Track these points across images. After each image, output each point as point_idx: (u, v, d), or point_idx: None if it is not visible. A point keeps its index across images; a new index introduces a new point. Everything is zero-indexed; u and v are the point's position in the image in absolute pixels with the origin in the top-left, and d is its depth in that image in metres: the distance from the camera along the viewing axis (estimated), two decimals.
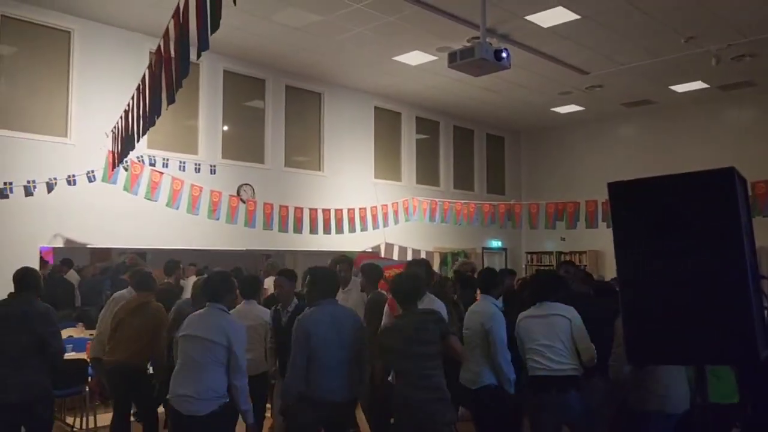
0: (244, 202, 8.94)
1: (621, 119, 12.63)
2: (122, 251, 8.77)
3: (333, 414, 3.86)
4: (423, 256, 11.68)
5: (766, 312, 4.86)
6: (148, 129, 3.96)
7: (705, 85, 10.50)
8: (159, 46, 3.55)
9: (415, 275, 4.16)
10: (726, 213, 1.99)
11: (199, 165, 8.79)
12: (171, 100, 3.27)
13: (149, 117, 3.73)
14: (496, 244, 13.47)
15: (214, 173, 8.94)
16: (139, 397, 4.98)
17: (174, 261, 7.06)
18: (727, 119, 11.42)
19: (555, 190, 12.47)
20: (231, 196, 8.77)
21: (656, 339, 2.08)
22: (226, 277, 4.05)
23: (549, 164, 13.89)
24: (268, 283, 7.16)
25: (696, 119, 11.65)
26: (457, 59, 5.92)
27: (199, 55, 2.79)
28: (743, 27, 7.94)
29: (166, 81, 3.16)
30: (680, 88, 10.65)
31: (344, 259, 5.87)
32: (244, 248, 9.11)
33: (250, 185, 9.35)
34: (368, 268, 5.33)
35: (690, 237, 2.02)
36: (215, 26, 2.57)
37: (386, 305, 4.69)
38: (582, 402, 3.97)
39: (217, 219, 8.46)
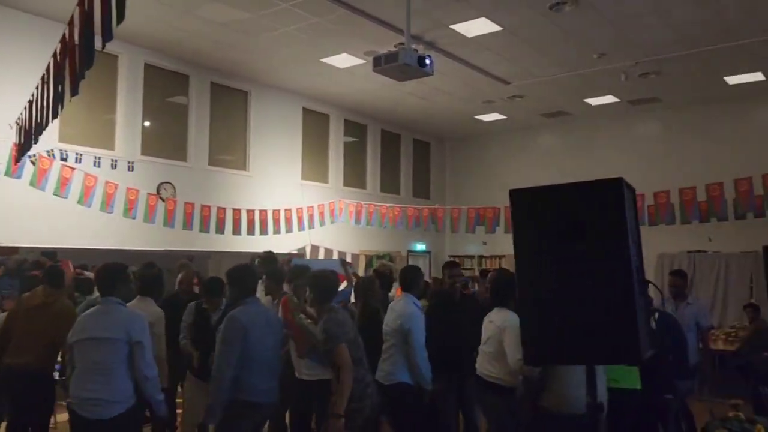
0: (163, 200, 8.67)
1: (540, 129, 13.15)
2: (30, 250, 8.29)
3: (266, 416, 3.83)
4: (348, 258, 11.71)
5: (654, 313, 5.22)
6: (50, 121, 3.76)
7: (616, 99, 11.10)
8: (64, 34, 3.39)
9: (330, 275, 4.18)
10: (614, 220, 2.12)
11: (116, 161, 8.46)
12: (74, 92, 3.12)
13: (52, 109, 3.55)
14: (420, 247, 13.70)
15: (132, 170, 8.63)
16: (38, 405, 4.60)
17: (152, 264, 6.73)
18: (636, 132, 12.12)
19: (478, 196, 12.82)
20: (149, 194, 8.48)
21: (550, 340, 2.19)
22: (119, 268, 3.80)
23: (472, 170, 14.26)
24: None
25: (608, 131, 12.30)
26: (381, 63, 5.99)
27: (103, 46, 2.70)
28: (649, 47, 8.47)
29: (71, 71, 3.02)
30: (594, 101, 11.22)
31: (267, 256, 5.82)
32: (163, 249, 8.82)
33: (170, 183, 9.09)
34: (272, 271, 5.26)
35: (582, 243, 2.13)
36: (121, 16, 2.49)
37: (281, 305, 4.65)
38: (506, 405, 4.09)
39: (134, 218, 8.17)
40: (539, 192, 2.23)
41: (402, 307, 4.54)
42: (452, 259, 14.00)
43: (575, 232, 2.12)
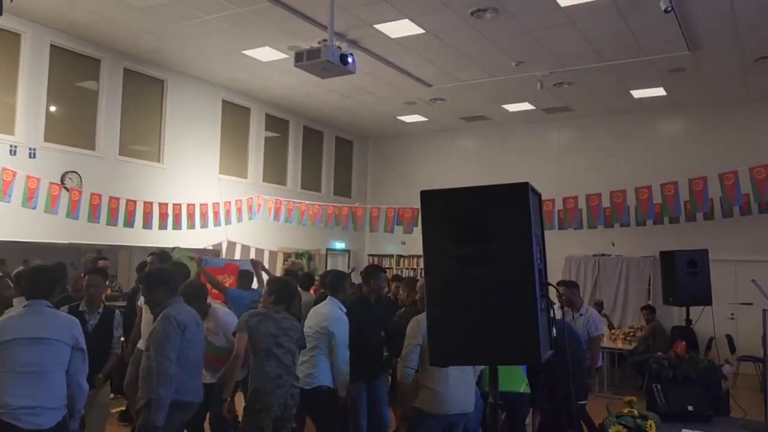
0: (67, 190, 8.19)
1: (460, 132, 13.46)
2: None
3: (191, 414, 3.81)
4: (266, 255, 11.53)
5: (561, 314, 5.46)
6: None
7: (532, 107, 11.52)
8: None
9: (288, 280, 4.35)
10: (519, 224, 2.17)
11: (16, 147, 7.93)
12: None
13: None
14: (339, 245, 13.67)
15: (34, 157, 8.11)
16: None
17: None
18: (550, 139, 12.64)
19: (398, 196, 12.94)
20: (52, 183, 7.99)
21: (456, 341, 2.21)
22: (59, 270, 3.65)
23: (394, 170, 14.40)
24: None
25: (525, 136, 12.76)
26: (303, 59, 5.94)
27: None
28: (563, 58, 8.85)
29: None
30: (511, 107, 11.59)
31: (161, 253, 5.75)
32: (67, 242, 8.33)
33: (76, 173, 8.60)
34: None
35: (488, 245, 2.17)
36: None
37: None
38: None
39: (34, 208, 7.67)
40: (448, 194, 2.25)
41: (328, 310, 4.56)
42: (371, 257, 14.12)
43: (481, 235, 2.16)
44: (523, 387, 4.48)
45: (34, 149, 8.13)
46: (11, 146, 7.85)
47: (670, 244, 8.86)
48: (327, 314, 4.52)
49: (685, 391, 3.86)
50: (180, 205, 9.64)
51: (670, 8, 6.56)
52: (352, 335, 4.57)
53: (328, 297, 4.73)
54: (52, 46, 8.44)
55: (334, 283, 4.78)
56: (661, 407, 3.75)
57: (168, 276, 3.92)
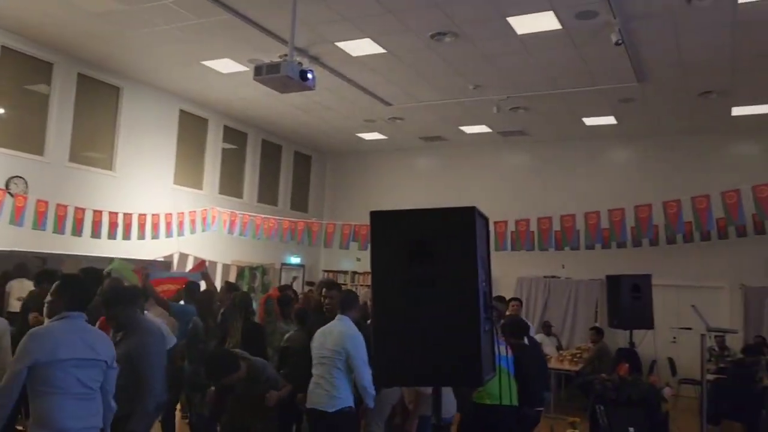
0: (12, 195, 7.91)
1: (418, 151, 13.59)
2: None
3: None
4: (219, 268, 11.35)
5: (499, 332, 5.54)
6: None
7: (488, 130, 11.74)
8: None
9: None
10: (465, 247, 2.22)
11: None
12: None
13: None
14: (295, 260, 13.57)
15: None
16: None
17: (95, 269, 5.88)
18: (505, 161, 12.88)
19: (355, 212, 12.94)
20: None
21: (400, 362, 2.23)
22: (89, 281, 3.78)
23: (351, 186, 14.42)
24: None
25: (481, 158, 12.97)
26: (263, 73, 5.92)
27: None
28: (519, 83, 9.08)
29: None
30: (468, 129, 11.78)
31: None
32: (9, 249, 8.02)
33: (22, 178, 8.32)
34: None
35: (434, 267, 2.21)
36: None
37: None
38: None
39: None
40: (396, 216, 2.28)
41: (341, 328, 4.31)
42: (326, 273, 14.04)
43: (428, 257, 2.20)
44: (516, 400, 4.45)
45: None
46: None
47: (617, 269, 9.11)
48: (342, 332, 4.26)
49: (627, 412, 3.97)
50: (131, 214, 9.42)
51: (620, 41, 6.83)
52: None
53: (338, 315, 4.43)
54: (2, 47, 8.19)
55: (346, 302, 4.52)
56: (604, 429, 3.84)
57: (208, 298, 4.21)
